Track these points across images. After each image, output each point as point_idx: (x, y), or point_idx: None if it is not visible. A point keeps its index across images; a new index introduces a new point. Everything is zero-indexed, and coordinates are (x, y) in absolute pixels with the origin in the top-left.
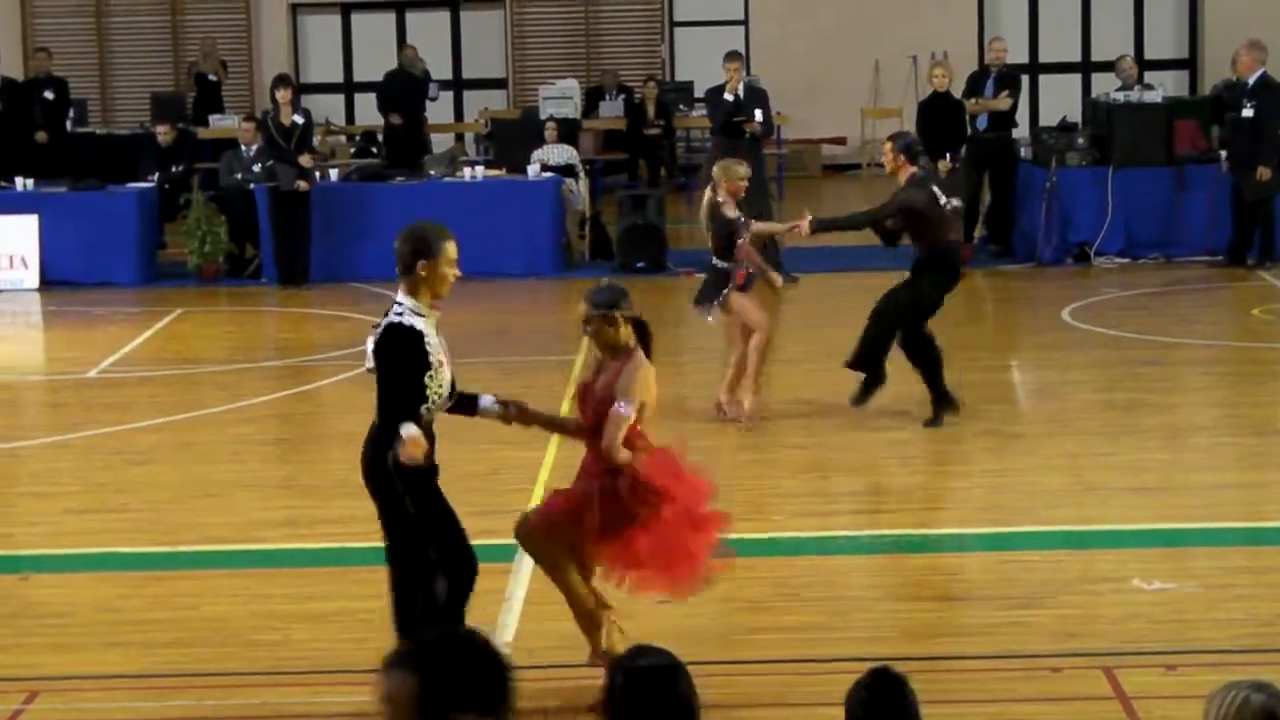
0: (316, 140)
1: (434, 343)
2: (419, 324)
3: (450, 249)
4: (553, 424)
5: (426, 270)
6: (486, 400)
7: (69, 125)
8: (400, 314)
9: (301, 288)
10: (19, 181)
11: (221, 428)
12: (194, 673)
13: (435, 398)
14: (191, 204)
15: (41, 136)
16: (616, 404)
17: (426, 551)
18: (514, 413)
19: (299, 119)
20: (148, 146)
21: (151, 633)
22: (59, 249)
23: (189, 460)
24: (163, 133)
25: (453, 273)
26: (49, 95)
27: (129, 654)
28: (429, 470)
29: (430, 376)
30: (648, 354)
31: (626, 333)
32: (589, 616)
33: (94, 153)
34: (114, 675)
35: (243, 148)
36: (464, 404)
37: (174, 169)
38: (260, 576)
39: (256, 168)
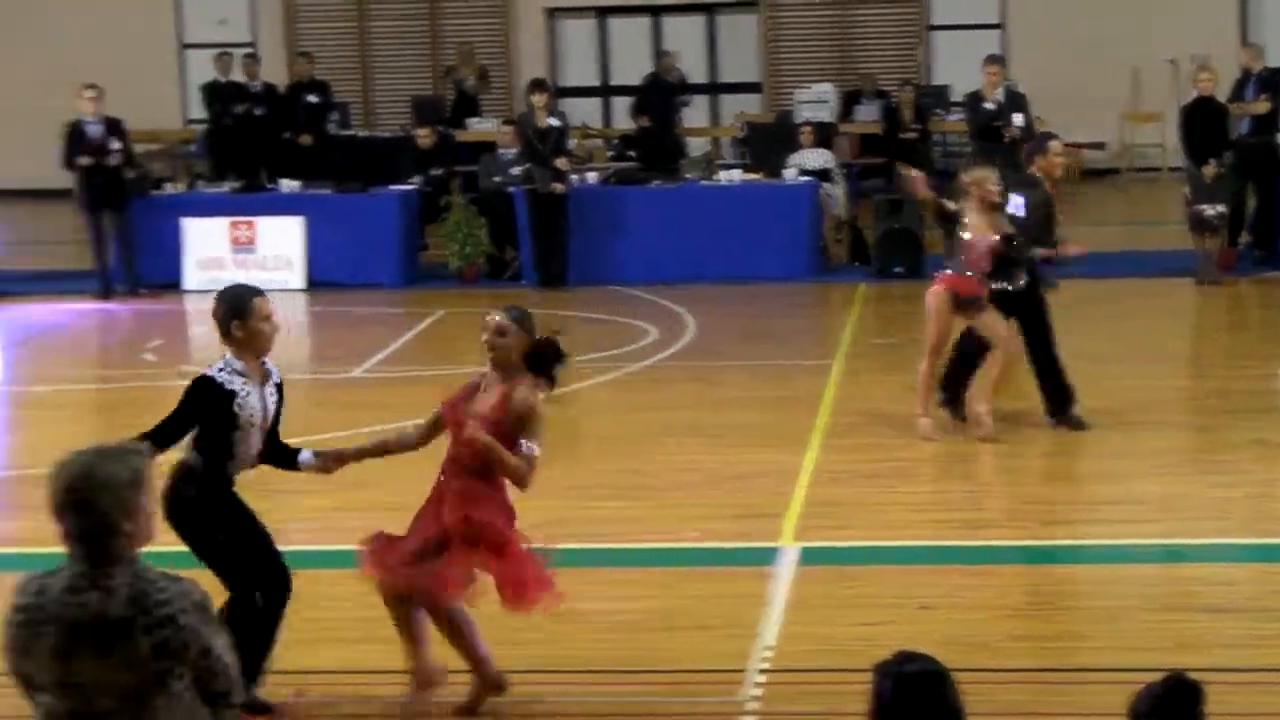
0: (573, 144)
1: (249, 404)
2: (235, 383)
3: (261, 306)
4: (377, 449)
5: (242, 331)
6: (305, 455)
7: (332, 129)
8: (221, 369)
9: (560, 290)
10: (285, 184)
11: None
12: (462, 670)
13: (242, 456)
14: (452, 207)
15: (306, 140)
16: (528, 445)
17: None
18: (332, 461)
19: (555, 122)
20: (408, 150)
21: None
22: (324, 251)
23: None
24: (423, 136)
25: (269, 328)
26: (312, 99)
27: (391, 650)
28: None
29: (237, 435)
30: (552, 380)
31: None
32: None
33: (356, 156)
34: (375, 670)
35: (501, 151)
36: (284, 458)
37: (434, 172)
38: None
39: (515, 171)
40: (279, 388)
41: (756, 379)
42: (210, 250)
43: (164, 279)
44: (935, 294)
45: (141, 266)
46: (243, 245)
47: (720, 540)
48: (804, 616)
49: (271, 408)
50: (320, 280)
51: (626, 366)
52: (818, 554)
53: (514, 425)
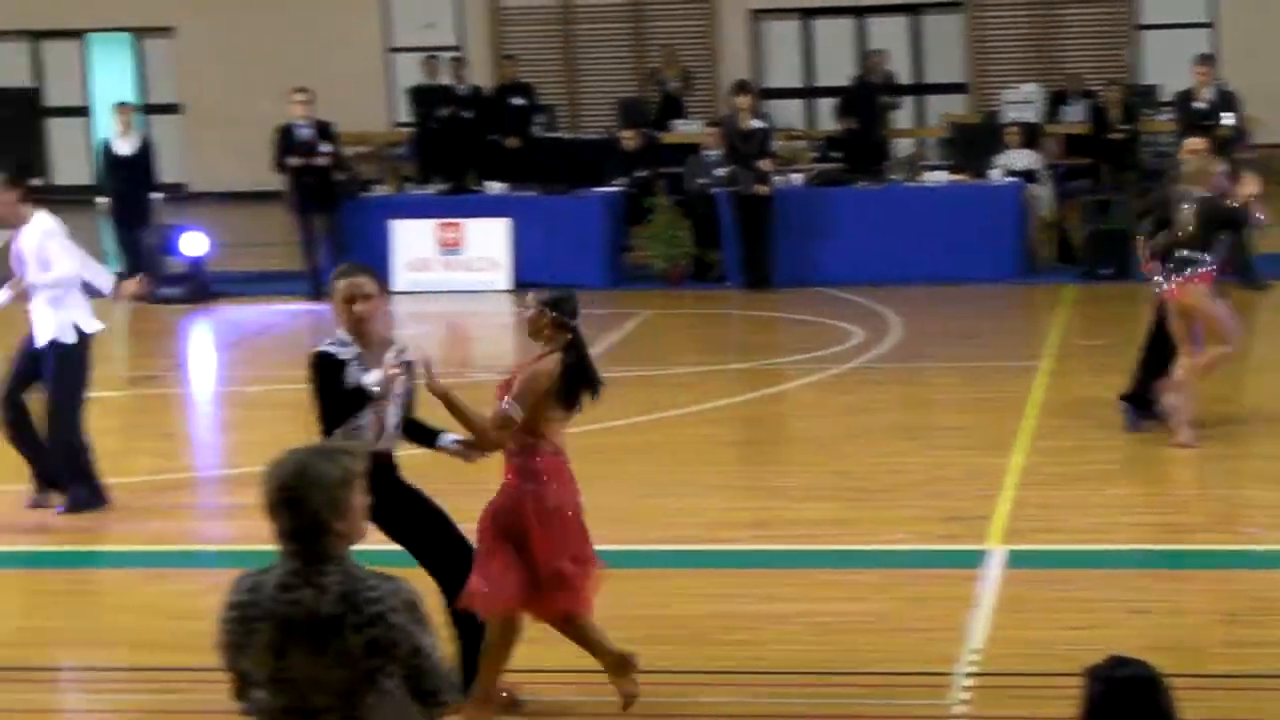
0: (777, 146)
1: (359, 376)
2: (343, 354)
3: (339, 286)
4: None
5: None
6: (447, 438)
7: (537, 131)
8: (329, 343)
9: (765, 291)
10: (491, 186)
11: (688, 428)
12: (666, 669)
13: (372, 431)
14: (656, 209)
15: (512, 142)
16: (508, 403)
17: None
18: (474, 452)
19: (759, 124)
20: (613, 152)
21: (624, 629)
22: (529, 251)
23: (655, 460)
24: (628, 138)
25: (349, 309)
26: (518, 102)
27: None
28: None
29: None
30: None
31: (549, 334)
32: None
33: (561, 158)
34: (580, 670)
35: (705, 153)
36: (422, 436)
37: (639, 174)
38: (728, 577)
39: (719, 173)
40: (409, 365)
41: (962, 381)
42: (418, 252)
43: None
44: (1196, 291)
45: None
46: (450, 247)
47: (927, 543)
48: (1012, 620)
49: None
50: (526, 281)
51: (832, 368)
52: (1025, 557)
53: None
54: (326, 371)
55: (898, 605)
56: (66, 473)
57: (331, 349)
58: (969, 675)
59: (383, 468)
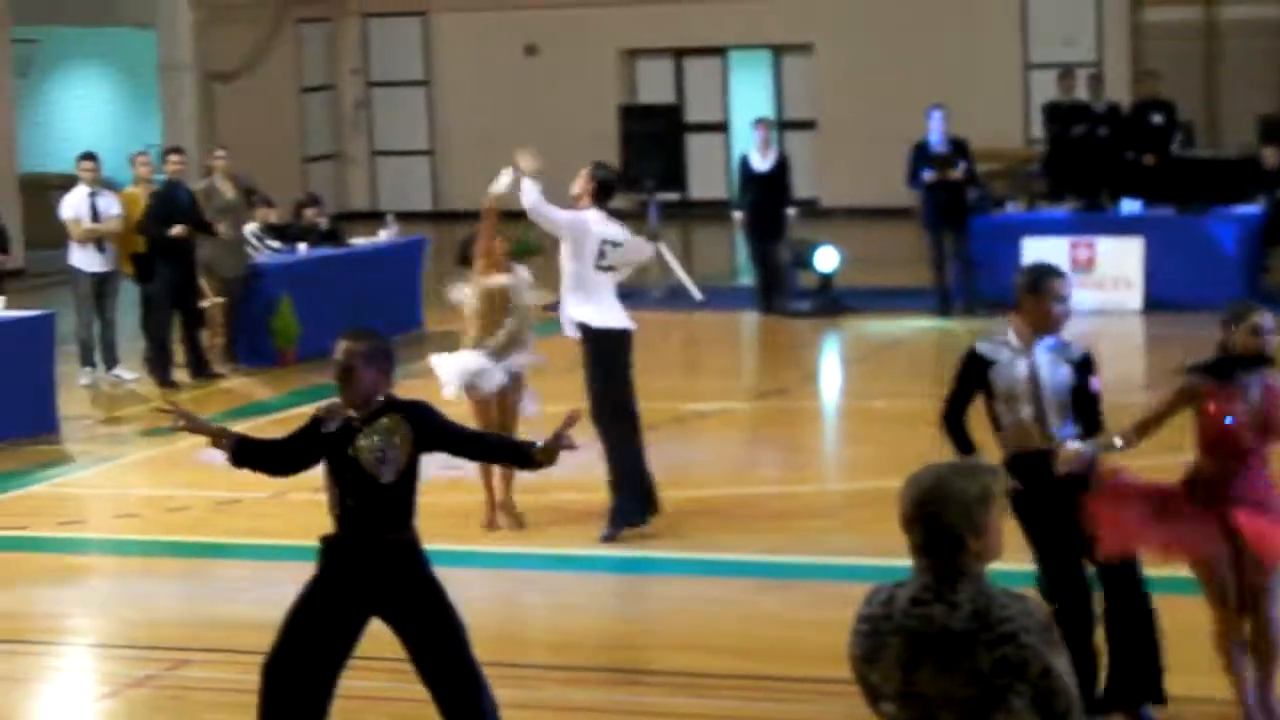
0: None
1: (1008, 374)
2: (998, 354)
3: (1058, 287)
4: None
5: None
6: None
7: (1175, 149)
8: (989, 339)
9: None
10: (1126, 205)
11: None
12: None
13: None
14: None
15: (1149, 160)
16: None
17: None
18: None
19: None
20: (1253, 170)
21: None
22: (1162, 271)
23: None
24: (1269, 155)
25: (1061, 310)
26: (1157, 119)
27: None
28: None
29: (995, 403)
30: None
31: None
32: None
33: (1198, 176)
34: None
35: None
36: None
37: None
38: None
39: None
40: (1076, 363)
41: None
42: None
43: (1002, 298)
44: None
45: (980, 285)
46: (1081, 266)
47: None
48: None
49: (1049, 379)
50: (1157, 301)
51: None
52: None
53: None
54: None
55: None
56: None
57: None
58: None
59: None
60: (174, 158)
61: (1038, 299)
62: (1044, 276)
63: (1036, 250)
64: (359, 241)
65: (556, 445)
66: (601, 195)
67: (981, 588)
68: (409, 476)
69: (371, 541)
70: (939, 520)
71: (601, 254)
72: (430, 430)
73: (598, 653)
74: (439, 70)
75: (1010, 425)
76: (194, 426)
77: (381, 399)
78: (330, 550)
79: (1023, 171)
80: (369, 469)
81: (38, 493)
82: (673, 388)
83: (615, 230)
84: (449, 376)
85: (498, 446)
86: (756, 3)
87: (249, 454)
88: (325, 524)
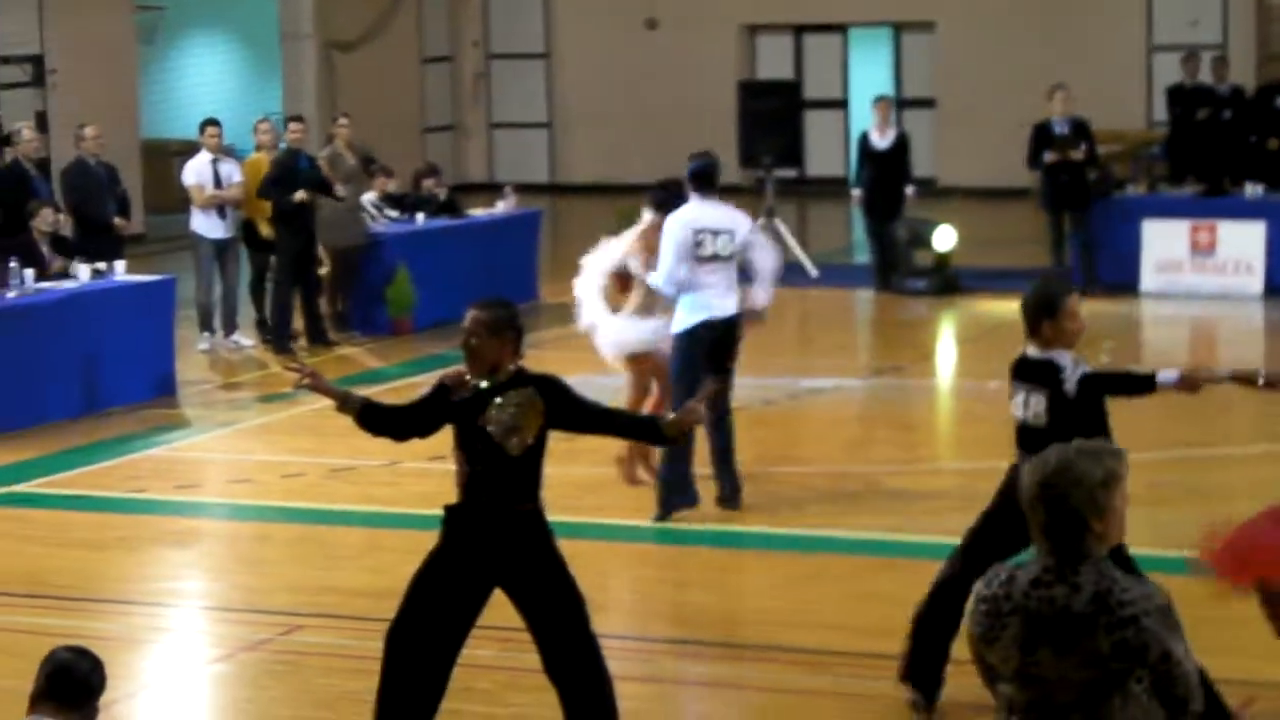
0: None
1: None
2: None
3: (1071, 304)
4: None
5: (1051, 330)
6: (1165, 375)
7: None
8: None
9: None
10: (1249, 189)
11: None
12: None
13: None
14: None
15: (1274, 144)
16: None
17: None
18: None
19: None
20: None
21: None
22: None
23: None
24: None
25: (1074, 326)
26: None
27: None
28: None
29: None
30: None
31: None
32: None
33: None
34: None
35: None
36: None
37: None
38: None
39: None
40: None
41: None
42: (1168, 253)
43: (1121, 280)
44: None
45: (1100, 267)
46: (1202, 250)
47: None
48: None
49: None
50: (1278, 287)
51: None
52: None
53: None
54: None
55: None
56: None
57: None
58: None
59: None
60: (295, 125)
61: (1055, 322)
62: (1060, 295)
63: (1156, 233)
64: (476, 212)
65: (686, 419)
66: (700, 183)
67: (1103, 570)
68: (537, 449)
69: (497, 512)
70: (1064, 502)
71: (699, 244)
72: (562, 405)
73: (714, 628)
74: (559, 43)
75: None
76: (319, 387)
77: (513, 369)
78: (454, 519)
79: (1144, 154)
80: (498, 440)
81: (156, 456)
82: (787, 364)
83: (715, 216)
84: (611, 340)
85: (628, 423)
86: None
87: (374, 418)
88: (438, 493)
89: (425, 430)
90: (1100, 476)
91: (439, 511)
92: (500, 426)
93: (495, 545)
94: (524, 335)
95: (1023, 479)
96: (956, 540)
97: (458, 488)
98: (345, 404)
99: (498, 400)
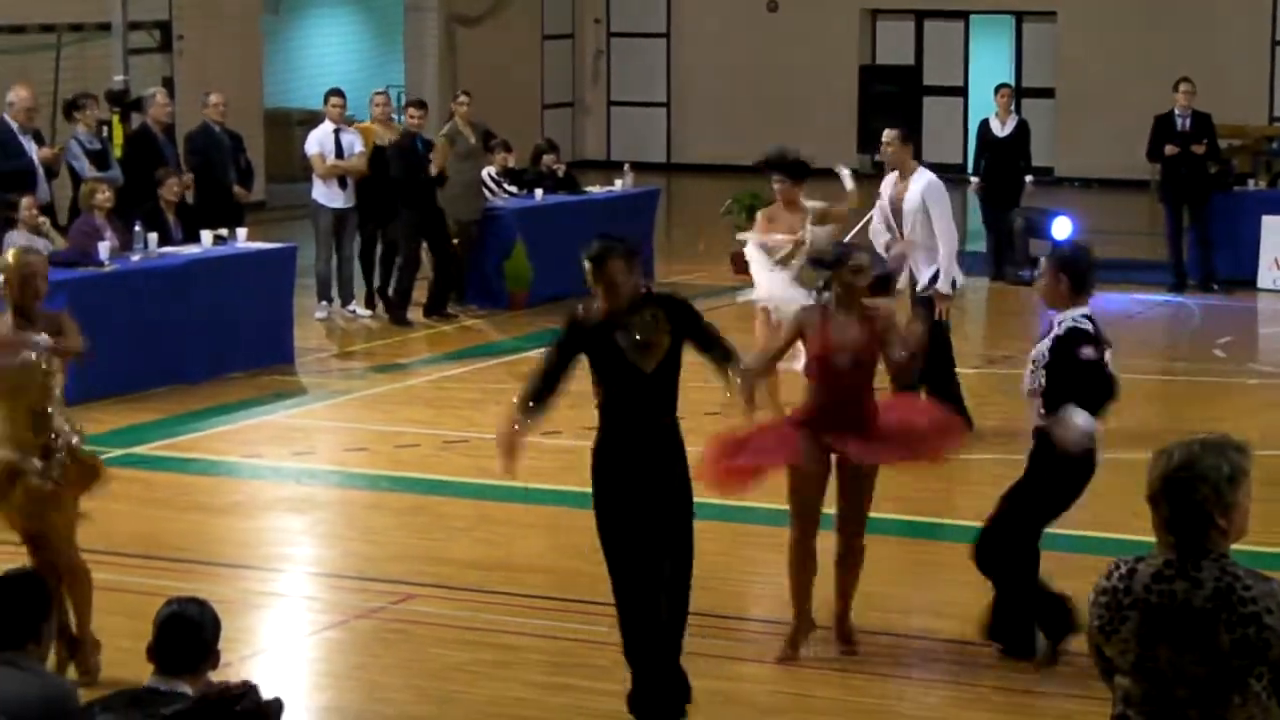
0: None
1: None
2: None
3: None
4: None
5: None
6: None
7: None
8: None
9: None
10: None
11: None
12: None
13: None
14: None
15: None
16: None
17: None
18: None
19: None
20: None
21: None
22: None
23: None
24: None
25: None
26: None
27: None
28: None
29: None
30: None
31: None
32: None
33: None
34: None
35: None
36: None
37: None
38: None
39: None
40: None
41: None
42: None
43: (1239, 275)
44: None
45: (1217, 262)
46: None
47: None
48: None
49: None
50: None
51: None
52: None
53: None
54: None
55: None
56: None
57: None
58: None
59: None
60: (414, 111)
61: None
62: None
63: (1276, 228)
64: (594, 189)
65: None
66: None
67: (1226, 566)
68: (671, 365)
69: (639, 427)
70: (1189, 497)
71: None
72: (687, 320)
73: (817, 612)
74: (680, 23)
75: None
76: (512, 459)
77: (642, 290)
78: (600, 451)
79: (1265, 149)
80: (632, 359)
81: (273, 422)
82: None
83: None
84: (766, 289)
85: (731, 352)
86: None
87: (539, 402)
88: (551, 469)
89: (571, 371)
90: (1227, 471)
91: (548, 486)
92: (632, 346)
93: (640, 454)
94: (642, 258)
95: (1147, 472)
96: (1070, 532)
97: (598, 412)
98: (524, 426)
99: (628, 322)
